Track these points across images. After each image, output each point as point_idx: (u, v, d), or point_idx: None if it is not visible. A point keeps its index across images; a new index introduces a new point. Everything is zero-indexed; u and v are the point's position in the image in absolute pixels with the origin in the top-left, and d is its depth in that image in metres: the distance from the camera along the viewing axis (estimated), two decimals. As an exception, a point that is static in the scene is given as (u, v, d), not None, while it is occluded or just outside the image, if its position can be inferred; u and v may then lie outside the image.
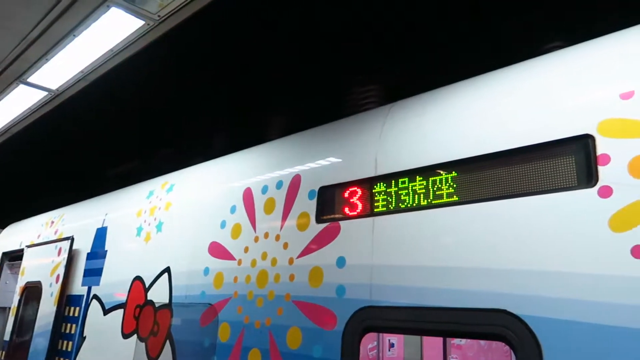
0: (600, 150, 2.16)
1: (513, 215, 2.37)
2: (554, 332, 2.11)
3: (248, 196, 3.96)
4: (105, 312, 5.29)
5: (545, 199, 2.29)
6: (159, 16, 3.68)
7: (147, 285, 4.77)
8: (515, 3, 3.78)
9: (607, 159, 2.13)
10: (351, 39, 4.52)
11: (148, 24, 3.81)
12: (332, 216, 3.25)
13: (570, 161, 2.26)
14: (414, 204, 2.82)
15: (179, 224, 4.68)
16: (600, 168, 2.14)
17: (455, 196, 2.64)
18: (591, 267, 2.06)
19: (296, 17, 4.36)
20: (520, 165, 2.43)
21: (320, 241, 3.25)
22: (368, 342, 5.57)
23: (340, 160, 3.43)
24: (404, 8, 4.01)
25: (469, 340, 6.26)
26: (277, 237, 3.55)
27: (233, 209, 4.06)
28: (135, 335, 4.68)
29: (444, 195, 2.69)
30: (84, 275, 5.93)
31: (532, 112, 2.49)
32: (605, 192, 2.10)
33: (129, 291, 5.00)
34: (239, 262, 3.80)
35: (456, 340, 6.29)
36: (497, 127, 2.61)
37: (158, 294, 4.59)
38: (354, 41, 4.52)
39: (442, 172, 2.74)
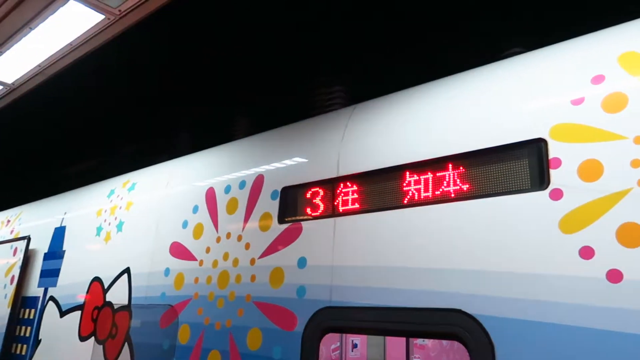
0: (552, 154, 2.22)
1: (469, 217, 2.41)
2: (506, 331, 2.15)
3: (211, 196, 3.92)
4: (62, 314, 5.14)
5: (501, 201, 2.34)
6: (119, 11, 3.59)
7: (106, 287, 4.65)
8: (477, 9, 3.86)
9: (558, 162, 2.19)
10: (316, 39, 4.52)
11: (108, 19, 3.71)
12: (294, 217, 3.25)
13: (524, 164, 2.32)
14: (375, 205, 2.84)
15: (140, 223, 4.58)
16: (552, 171, 2.20)
17: (414, 198, 2.67)
18: (542, 268, 2.12)
19: (260, 16, 4.33)
20: (476, 167, 2.47)
21: (282, 242, 3.23)
22: (331, 343, 5.58)
23: (303, 160, 3.42)
24: (370, 10, 4.04)
25: (431, 340, 6.36)
26: (239, 238, 3.52)
27: (195, 209, 4.01)
28: (92, 338, 4.56)
29: (404, 197, 2.71)
30: (41, 276, 5.74)
31: (490, 115, 2.54)
32: (556, 194, 2.16)
33: (87, 292, 4.87)
34: (200, 263, 3.75)
35: (419, 341, 6.37)
36: (455, 130, 2.65)
37: (117, 296, 4.48)
38: (319, 41, 4.53)
39: (402, 173, 2.76)
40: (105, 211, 5.10)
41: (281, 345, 3.00)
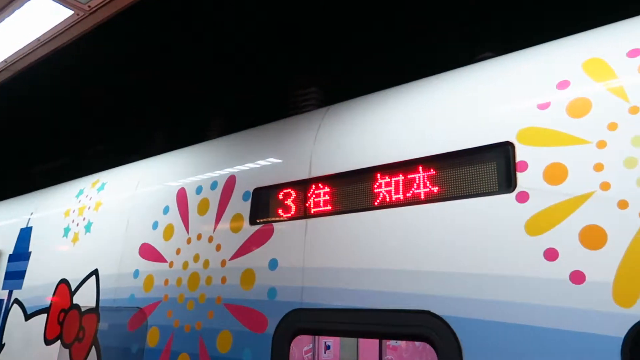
0: (519, 157, 2.26)
1: (439, 218, 2.43)
2: (473, 331, 2.17)
3: (182, 196, 3.86)
4: (27, 317, 4.99)
5: (469, 203, 2.36)
6: (89, 7, 3.50)
7: (73, 289, 4.55)
8: (450, 14, 3.91)
9: (525, 165, 2.23)
10: (292, 40, 4.51)
11: (78, 14, 3.61)
12: (266, 218, 3.22)
13: (492, 167, 2.35)
14: (346, 207, 2.84)
15: (109, 224, 4.49)
16: (518, 174, 2.24)
17: (385, 200, 2.68)
18: (509, 269, 2.15)
19: (236, 14, 4.29)
20: (446, 170, 2.50)
21: (254, 243, 3.21)
22: (304, 345, 5.56)
23: (275, 161, 3.40)
24: (343, 11, 4.05)
25: (404, 341, 6.38)
26: (210, 239, 3.48)
27: (166, 210, 3.94)
28: (59, 342, 4.45)
29: (375, 199, 2.72)
30: (5, 278, 5.58)
31: (460, 119, 2.57)
32: (523, 197, 2.19)
33: (54, 295, 4.74)
34: (171, 265, 3.69)
35: (392, 342, 6.39)
36: (425, 133, 2.67)
37: (84, 298, 4.38)
38: (295, 42, 4.51)
39: (373, 175, 2.77)
40: (74, 212, 4.98)
41: (251, 347, 2.97)
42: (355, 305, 2.59)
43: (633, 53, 2.16)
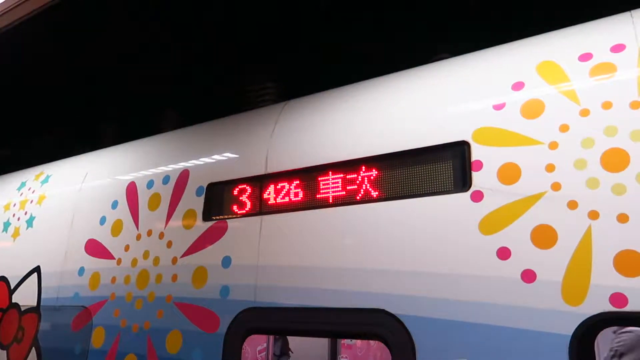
0: (474, 156, 2.27)
1: (394, 217, 2.42)
2: (426, 330, 2.17)
3: (132, 191, 3.71)
4: (-39, 317, 4.68)
5: (425, 201, 2.36)
6: (34, -12, 3.32)
7: (12, 287, 4.30)
8: (409, 14, 3.92)
9: (480, 165, 2.25)
10: (249, 35, 4.42)
11: (21, -5, 3.42)
12: (220, 214, 3.13)
13: (447, 166, 2.36)
14: (302, 204, 2.79)
15: (53, 219, 4.26)
16: (473, 173, 2.25)
17: (340, 197, 2.65)
18: (463, 268, 2.16)
19: (193, 4, 4.16)
20: (402, 168, 2.49)
21: (206, 240, 3.12)
22: (257, 344, 5.48)
23: (231, 156, 3.32)
24: (301, 8, 4.00)
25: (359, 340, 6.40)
26: (161, 235, 3.36)
27: (114, 204, 3.78)
28: (-5, 343, 4.20)
29: (330, 196, 2.69)
30: (-63, 276, 5.21)
31: (416, 117, 2.57)
32: (477, 196, 2.21)
33: (-9, 293, 4.47)
34: (119, 262, 3.54)
35: (347, 340, 6.39)
36: (382, 131, 2.66)
37: (25, 296, 4.16)
38: (252, 37, 4.43)
39: (329, 172, 2.74)
40: (15, 205, 4.71)
41: (202, 347, 2.88)
42: (309, 304, 2.54)
43: (584, 57, 2.21)
